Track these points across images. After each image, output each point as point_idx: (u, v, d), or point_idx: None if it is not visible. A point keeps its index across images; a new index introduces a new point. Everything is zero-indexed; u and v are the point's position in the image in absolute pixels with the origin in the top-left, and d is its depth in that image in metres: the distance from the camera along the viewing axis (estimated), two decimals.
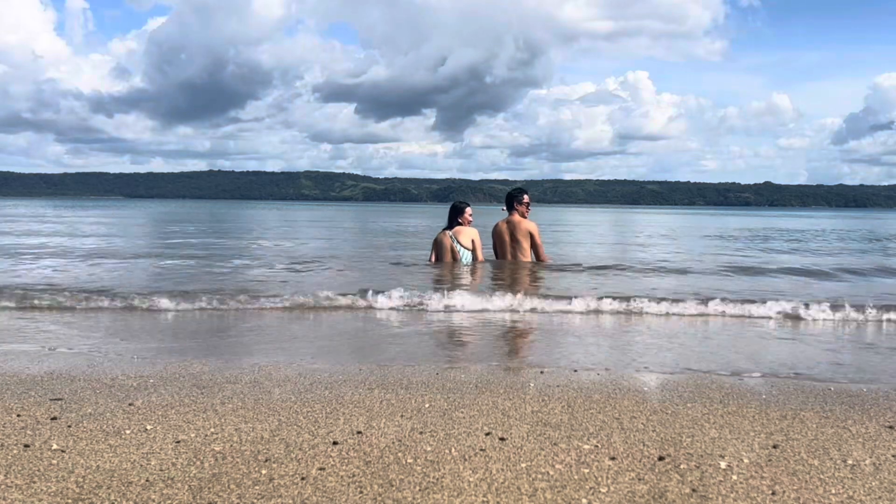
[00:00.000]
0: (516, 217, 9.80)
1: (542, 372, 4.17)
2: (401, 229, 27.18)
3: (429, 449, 2.75)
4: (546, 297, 6.88)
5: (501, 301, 6.67)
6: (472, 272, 9.11)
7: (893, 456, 2.75)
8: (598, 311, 6.54)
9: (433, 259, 9.90)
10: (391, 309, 6.61)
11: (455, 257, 9.57)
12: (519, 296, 6.73)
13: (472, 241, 9.68)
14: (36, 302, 6.67)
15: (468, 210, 9.87)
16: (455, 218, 9.85)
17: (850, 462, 2.68)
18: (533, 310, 6.53)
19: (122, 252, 13.66)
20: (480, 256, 9.66)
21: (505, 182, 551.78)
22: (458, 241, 9.60)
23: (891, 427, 3.14)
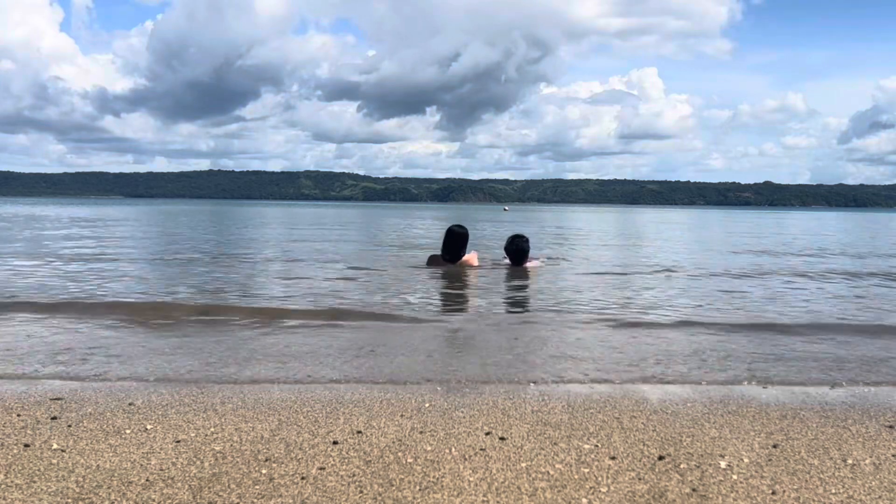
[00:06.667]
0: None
1: (541, 374, 4.17)
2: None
3: (429, 448, 2.75)
4: None
5: None
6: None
7: (893, 456, 2.75)
8: None
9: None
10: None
11: None
12: None
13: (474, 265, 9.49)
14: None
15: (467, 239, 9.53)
16: (459, 248, 9.42)
17: (850, 462, 2.68)
18: None
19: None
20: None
21: (506, 181, 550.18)
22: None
23: (891, 427, 3.14)
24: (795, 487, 2.41)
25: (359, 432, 2.93)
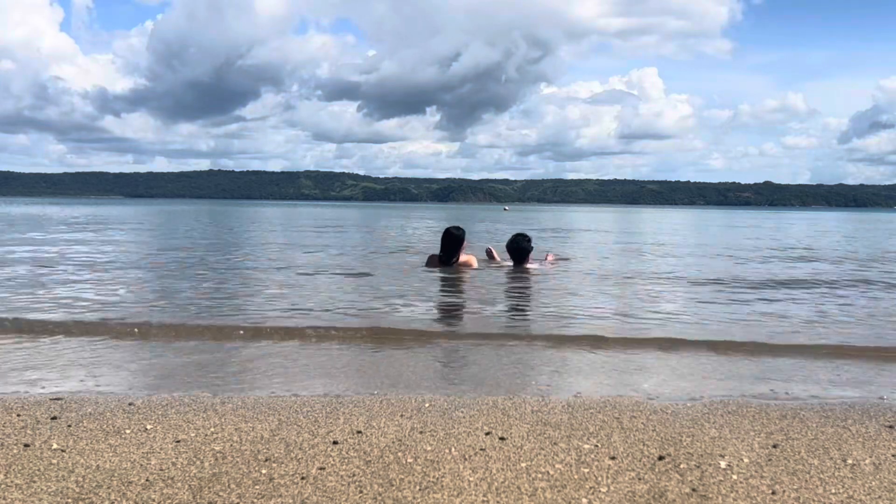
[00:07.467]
0: None
1: (542, 375, 4.17)
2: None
3: (429, 448, 2.75)
4: None
5: None
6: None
7: (893, 456, 2.75)
8: None
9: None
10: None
11: None
12: None
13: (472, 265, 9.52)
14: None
15: (465, 242, 9.47)
16: (454, 249, 9.37)
17: (849, 462, 2.68)
18: None
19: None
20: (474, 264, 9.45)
21: (506, 181, 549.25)
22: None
23: (891, 427, 3.14)
24: (795, 487, 2.41)
25: (359, 432, 2.94)
